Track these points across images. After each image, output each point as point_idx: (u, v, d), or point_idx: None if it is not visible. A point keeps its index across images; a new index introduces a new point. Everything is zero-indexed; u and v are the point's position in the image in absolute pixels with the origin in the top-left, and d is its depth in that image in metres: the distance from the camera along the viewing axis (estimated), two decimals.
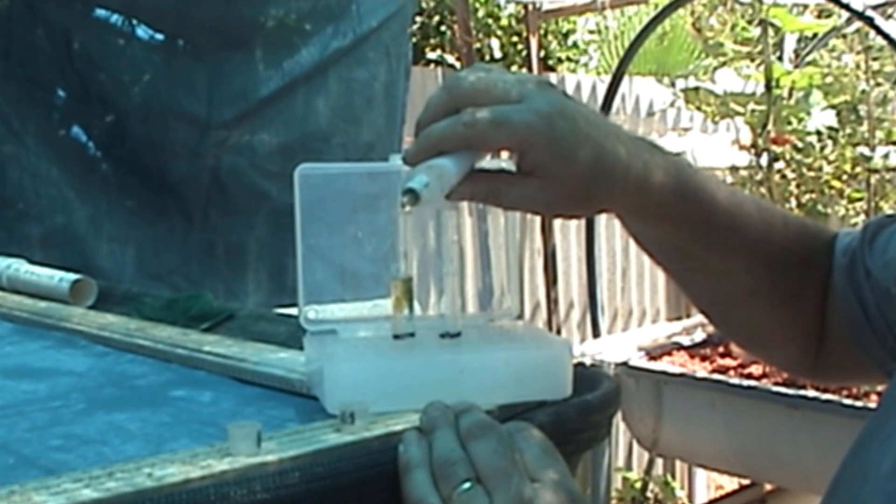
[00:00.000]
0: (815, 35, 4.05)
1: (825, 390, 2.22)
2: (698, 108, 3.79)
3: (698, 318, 4.73)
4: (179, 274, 2.43)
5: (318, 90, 2.61)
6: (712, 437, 2.50)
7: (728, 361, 2.77)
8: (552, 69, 5.56)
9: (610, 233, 4.93)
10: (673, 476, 4.66)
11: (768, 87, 3.39)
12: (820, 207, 3.58)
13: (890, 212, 3.16)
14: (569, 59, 6.19)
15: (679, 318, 4.67)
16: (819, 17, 4.05)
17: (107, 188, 2.42)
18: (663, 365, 2.76)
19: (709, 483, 4.16)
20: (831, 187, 3.62)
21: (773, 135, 3.41)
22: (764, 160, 3.50)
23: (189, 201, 2.48)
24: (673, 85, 4.30)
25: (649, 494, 4.47)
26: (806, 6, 3.90)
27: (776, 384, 2.36)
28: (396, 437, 0.61)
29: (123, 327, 0.98)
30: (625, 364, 2.76)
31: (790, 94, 3.56)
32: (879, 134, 3.69)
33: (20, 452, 0.64)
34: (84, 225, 2.34)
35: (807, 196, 3.56)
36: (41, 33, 2.32)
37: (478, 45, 4.97)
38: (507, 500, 0.55)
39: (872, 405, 2.11)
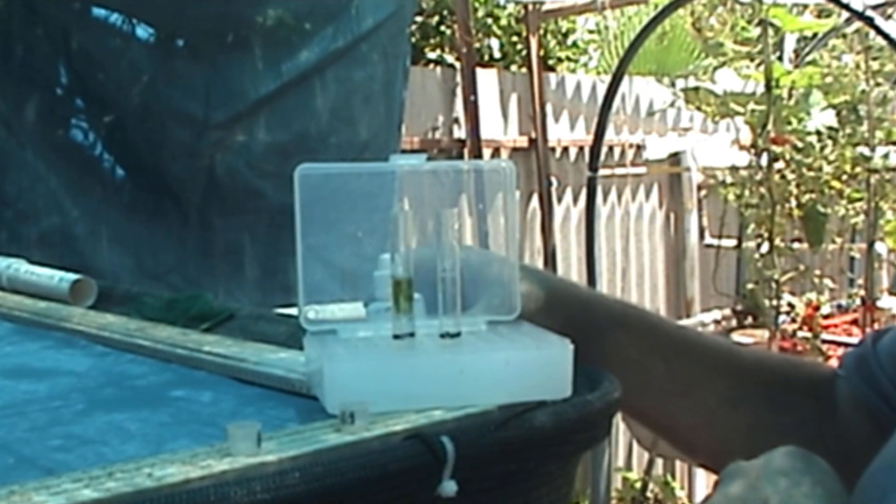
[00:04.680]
0: (815, 35, 4.05)
1: None
2: (698, 108, 3.80)
3: (697, 318, 4.73)
4: (177, 273, 2.43)
5: (316, 90, 2.61)
6: None
7: None
8: (552, 69, 5.56)
9: (610, 233, 4.93)
10: (673, 476, 4.66)
11: (768, 87, 3.40)
12: (820, 207, 3.58)
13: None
14: (569, 58, 6.20)
15: (679, 319, 4.67)
16: (819, 17, 4.05)
17: (104, 188, 2.42)
18: None
19: (709, 483, 4.16)
20: (831, 187, 3.62)
21: (773, 135, 3.42)
22: (764, 160, 3.51)
23: (186, 201, 2.48)
24: (673, 85, 4.31)
25: (649, 494, 4.47)
26: (806, 6, 3.90)
27: None
28: (396, 436, 0.61)
29: (123, 327, 0.98)
30: None
31: (790, 94, 3.56)
32: (879, 134, 3.69)
33: (20, 452, 0.64)
34: (81, 225, 2.34)
35: (807, 196, 3.56)
36: (40, 33, 2.32)
37: (478, 45, 4.97)
38: None
39: None
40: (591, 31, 6.26)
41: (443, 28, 5.44)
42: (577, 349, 0.68)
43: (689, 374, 0.84)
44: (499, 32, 5.68)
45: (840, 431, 0.82)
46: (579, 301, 0.86)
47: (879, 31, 3.11)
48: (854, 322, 4.12)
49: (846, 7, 3.16)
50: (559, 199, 4.69)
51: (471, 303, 0.76)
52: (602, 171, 4.17)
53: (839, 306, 4.40)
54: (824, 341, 3.80)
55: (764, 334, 3.72)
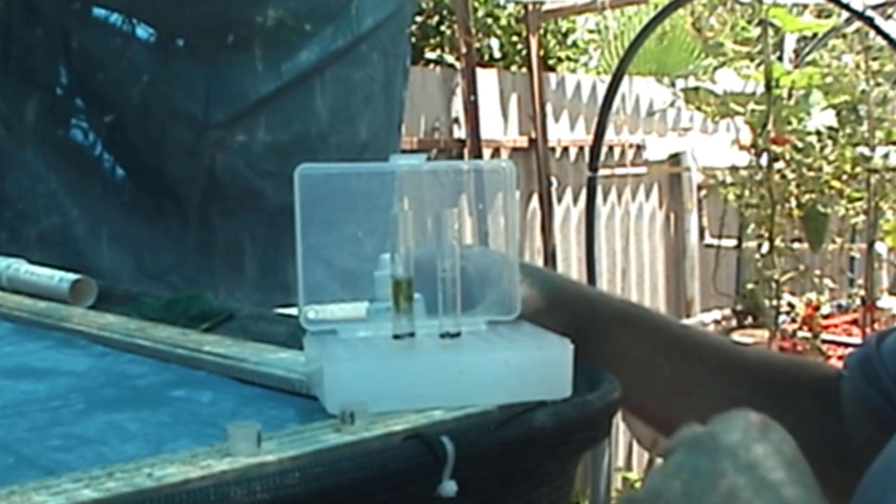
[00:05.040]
0: (815, 35, 4.05)
1: None
2: (698, 108, 3.80)
3: (697, 318, 4.73)
4: (176, 273, 2.43)
5: (315, 90, 2.61)
6: None
7: None
8: (552, 69, 5.56)
9: (610, 233, 4.93)
10: None
11: (768, 87, 3.40)
12: (820, 207, 3.58)
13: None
14: (569, 58, 6.20)
15: (679, 319, 4.67)
16: (819, 17, 4.05)
17: (104, 188, 2.42)
18: None
19: None
20: (831, 187, 3.62)
21: (773, 135, 3.42)
22: (764, 160, 3.51)
23: (186, 201, 2.48)
24: (673, 85, 4.30)
25: None
26: (806, 6, 3.90)
27: None
28: (396, 436, 0.61)
29: (123, 327, 0.98)
30: None
31: (790, 95, 3.56)
32: (879, 134, 3.69)
33: (20, 452, 0.64)
34: (81, 225, 2.34)
35: (807, 196, 3.56)
36: (40, 33, 2.32)
37: (478, 45, 4.97)
38: None
39: None
40: (591, 31, 6.26)
41: (443, 28, 5.44)
42: (582, 348, 0.68)
43: (693, 373, 0.85)
44: (499, 32, 5.68)
45: (844, 432, 0.82)
46: (584, 300, 0.86)
47: (879, 31, 3.11)
48: (854, 322, 4.11)
49: (846, 7, 3.16)
50: (559, 199, 4.68)
51: (472, 300, 0.76)
52: (602, 171, 4.17)
53: (839, 306, 4.40)
54: (824, 341, 3.80)
55: (764, 334, 3.72)
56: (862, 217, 3.83)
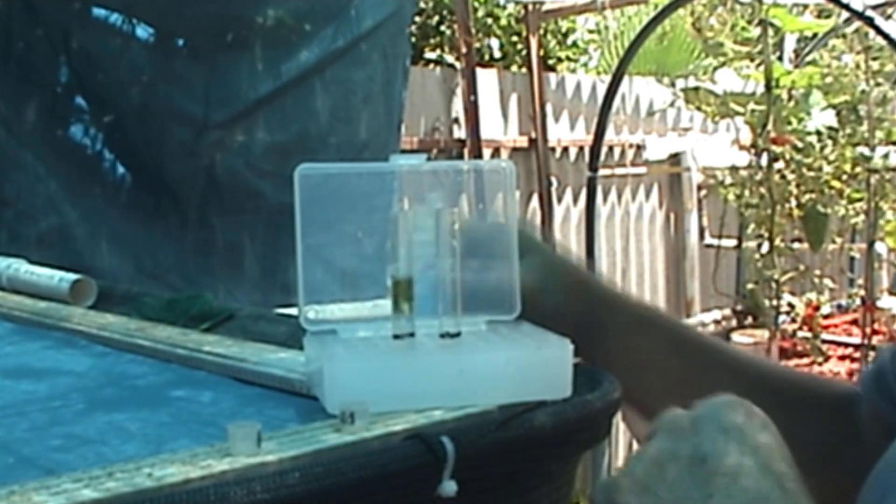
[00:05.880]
0: (815, 35, 4.05)
1: None
2: (698, 108, 3.80)
3: (698, 318, 4.73)
4: (176, 273, 2.43)
5: (315, 90, 2.61)
6: None
7: None
8: (552, 69, 5.56)
9: (610, 233, 4.93)
10: None
11: (768, 87, 3.40)
12: (820, 207, 3.58)
13: None
14: (569, 58, 6.20)
15: (679, 319, 4.66)
16: (819, 17, 4.05)
17: (104, 188, 2.42)
18: None
19: None
20: (831, 187, 3.63)
21: (773, 135, 3.42)
22: (764, 160, 3.51)
23: (185, 201, 2.48)
24: (673, 85, 4.30)
25: None
26: (806, 6, 3.90)
27: None
28: (396, 436, 0.61)
29: (123, 327, 0.98)
30: None
31: (790, 95, 3.56)
32: (879, 134, 3.69)
33: (20, 452, 0.64)
34: (80, 225, 2.33)
35: (807, 196, 3.56)
36: (40, 33, 2.32)
37: (478, 45, 4.97)
38: None
39: None
40: (591, 31, 6.27)
41: (443, 28, 5.44)
42: (590, 346, 0.68)
43: (708, 377, 0.84)
44: (499, 32, 5.69)
45: (861, 448, 0.81)
46: (601, 300, 0.86)
47: (879, 31, 3.11)
48: (854, 322, 4.11)
49: (846, 7, 3.16)
50: (559, 199, 4.68)
51: (470, 279, 0.75)
52: (602, 171, 4.17)
53: (839, 306, 4.41)
54: (824, 341, 3.80)
55: (764, 334, 3.72)
56: (862, 217, 3.83)
